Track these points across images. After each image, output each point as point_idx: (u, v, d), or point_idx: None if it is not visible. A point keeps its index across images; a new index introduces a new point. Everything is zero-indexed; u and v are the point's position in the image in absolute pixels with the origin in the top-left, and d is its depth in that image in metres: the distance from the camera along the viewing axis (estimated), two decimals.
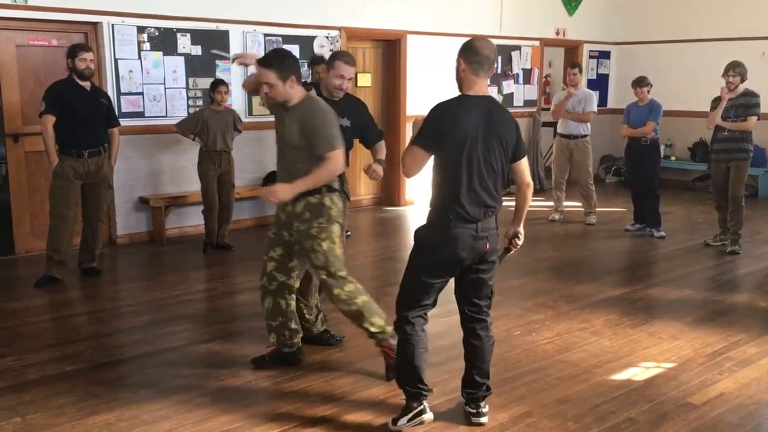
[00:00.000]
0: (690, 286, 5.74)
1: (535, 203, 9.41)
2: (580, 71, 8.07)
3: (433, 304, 3.35)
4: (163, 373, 3.95)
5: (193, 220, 7.26)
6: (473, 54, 3.17)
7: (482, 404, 3.40)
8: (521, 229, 3.44)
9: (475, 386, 3.39)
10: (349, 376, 3.92)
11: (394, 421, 3.34)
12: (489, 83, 10.27)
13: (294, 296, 3.98)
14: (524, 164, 3.34)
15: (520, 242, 3.47)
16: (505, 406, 3.56)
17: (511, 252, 3.51)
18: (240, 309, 5.20)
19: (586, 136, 7.96)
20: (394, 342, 3.58)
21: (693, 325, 4.78)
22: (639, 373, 4.00)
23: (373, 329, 3.78)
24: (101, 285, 5.73)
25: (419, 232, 3.27)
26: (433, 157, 3.20)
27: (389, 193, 9.12)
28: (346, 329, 4.63)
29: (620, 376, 3.96)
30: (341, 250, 3.79)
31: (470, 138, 3.10)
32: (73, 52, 5.47)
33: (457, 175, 3.11)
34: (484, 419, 3.38)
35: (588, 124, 7.97)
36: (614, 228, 7.86)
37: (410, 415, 3.30)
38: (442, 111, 3.15)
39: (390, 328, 3.72)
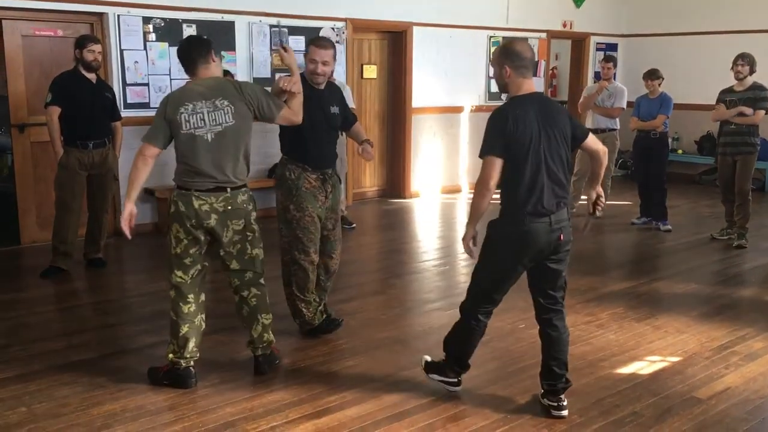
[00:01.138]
0: (696, 279, 5.71)
1: None
2: (615, 65, 7.90)
3: (501, 300, 3.48)
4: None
5: None
6: (518, 59, 3.24)
7: (562, 396, 3.41)
8: (600, 190, 3.60)
9: (555, 378, 3.41)
10: (352, 369, 3.92)
11: (428, 368, 3.66)
12: (492, 75, 10.20)
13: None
14: (592, 138, 3.44)
15: (603, 200, 3.63)
16: (510, 399, 3.56)
17: (597, 214, 3.63)
18: None
19: (614, 130, 7.82)
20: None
21: (699, 319, 4.76)
22: (644, 366, 3.99)
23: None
24: (106, 276, 5.74)
25: (495, 229, 3.33)
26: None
27: (395, 185, 9.10)
28: (350, 321, 4.64)
29: (625, 369, 3.95)
30: (177, 251, 3.63)
31: (535, 136, 3.19)
32: (82, 43, 5.47)
33: (528, 172, 3.20)
34: (564, 412, 3.38)
35: (616, 119, 7.86)
36: (620, 221, 7.83)
37: (444, 379, 3.61)
38: (503, 117, 3.21)
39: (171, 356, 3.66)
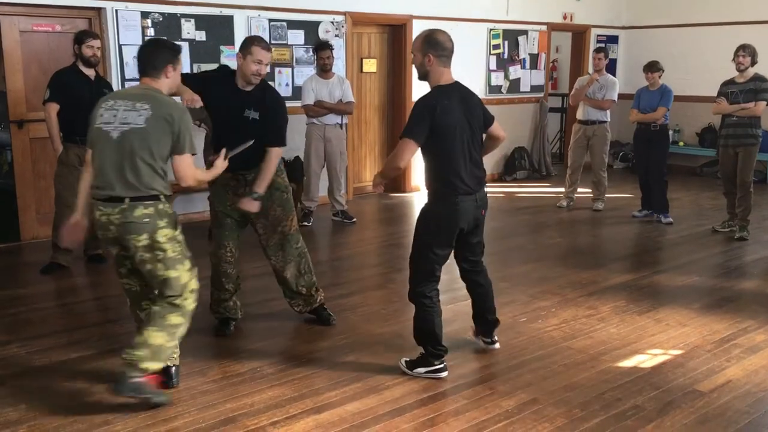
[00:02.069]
0: (697, 272, 5.70)
1: (541, 189, 9.38)
2: (606, 56, 7.87)
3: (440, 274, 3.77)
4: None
5: (198, 207, 7.26)
6: (441, 49, 3.54)
7: (494, 333, 4.09)
8: None
9: (488, 323, 4.06)
10: (353, 364, 3.91)
11: (410, 366, 3.75)
12: (496, 68, 10.22)
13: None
14: (497, 125, 3.83)
15: None
16: (511, 393, 3.55)
17: None
18: (245, 296, 5.18)
19: (604, 122, 7.82)
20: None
21: (700, 311, 4.75)
22: (646, 360, 3.98)
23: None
24: (107, 272, 5.72)
25: (429, 210, 3.65)
26: (425, 144, 3.54)
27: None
28: (351, 315, 4.63)
29: (627, 363, 3.93)
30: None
31: (459, 124, 3.53)
32: (81, 38, 5.45)
33: (455, 156, 3.55)
34: (497, 345, 4.09)
35: (607, 111, 7.85)
36: (621, 214, 7.81)
37: (430, 369, 3.72)
38: (432, 107, 3.48)
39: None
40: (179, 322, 3.39)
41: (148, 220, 3.26)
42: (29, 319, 4.61)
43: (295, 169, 7.62)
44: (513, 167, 10.10)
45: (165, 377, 3.53)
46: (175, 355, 3.57)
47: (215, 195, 4.24)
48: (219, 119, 4.14)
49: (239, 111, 4.02)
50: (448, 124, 3.48)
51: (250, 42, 4.01)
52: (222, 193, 4.19)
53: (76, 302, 5.07)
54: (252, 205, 4.03)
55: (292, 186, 7.87)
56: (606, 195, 8.09)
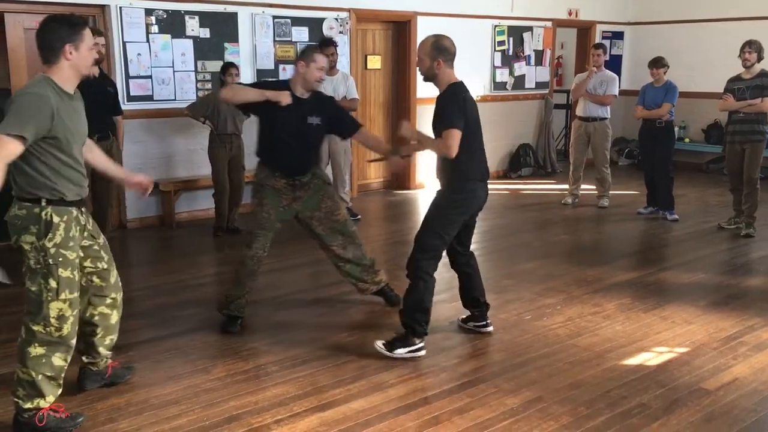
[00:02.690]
0: (703, 269, 5.67)
1: (546, 186, 9.35)
2: (605, 51, 7.86)
3: None
4: (173, 357, 3.94)
5: (202, 204, 7.25)
6: (448, 53, 3.85)
7: (486, 315, 4.27)
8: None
9: (481, 305, 4.25)
10: (357, 361, 3.90)
11: (390, 347, 3.90)
12: (500, 65, 10.18)
13: None
14: None
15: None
16: (516, 391, 3.53)
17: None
18: (251, 293, 5.18)
19: (605, 119, 7.80)
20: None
21: (706, 309, 4.73)
22: (652, 358, 3.96)
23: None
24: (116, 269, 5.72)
25: (450, 194, 3.88)
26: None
27: (399, 177, 9.07)
28: (355, 313, 4.62)
29: (633, 360, 3.92)
30: None
31: (477, 115, 3.87)
32: None
33: (478, 145, 3.88)
34: (491, 327, 4.28)
35: (608, 107, 7.82)
36: (627, 211, 7.78)
37: (411, 348, 3.89)
38: (461, 98, 3.80)
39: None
40: (41, 353, 3.05)
41: (17, 221, 3.00)
42: None
43: None
44: (518, 164, 10.07)
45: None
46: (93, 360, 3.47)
47: (269, 198, 4.25)
48: (279, 128, 4.20)
49: (302, 119, 4.17)
50: (474, 116, 3.82)
51: (312, 50, 4.25)
52: (276, 196, 4.25)
53: None
54: (399, 164, 4.43)
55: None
56: (611, 192, 8.06)
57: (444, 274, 5.61)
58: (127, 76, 6.71)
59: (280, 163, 4.27)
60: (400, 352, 3.88)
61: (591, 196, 8.18)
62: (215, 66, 7.02)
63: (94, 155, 3.47)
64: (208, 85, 7.15)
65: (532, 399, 3.46)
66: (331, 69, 6.97)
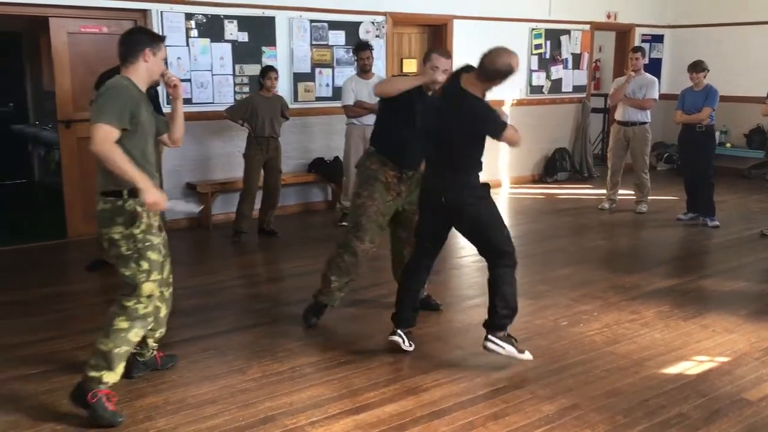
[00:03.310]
0: (745, 277, 5.55)
1: (583, 191, 9.24)
2: (643, 55, 7.74)
3: None
4: (209, 357, 3.99)
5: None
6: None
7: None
8: None
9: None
10: (392, 365, 3.90)
11: (507, 338, 3.87)
12: (537, 68, 10.10)
13: None
14: None
15: None
16: (552, 398, 3.50)
17: None
18: (285, 295, 5.23)
19: (645, 123, 7.68)
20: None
21: (748, 318, 4.63)
22: (691, 367, 3.89)
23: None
24: None
25: (486, 194, 3.88)
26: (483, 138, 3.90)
27: None
28: (389, 318, 4.63)
29: (672, 369, 3.85)
30: None
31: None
32: None
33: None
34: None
35: (648, 111, 7.71)
36: (666, 217, 7.66)
37: (513, 348, 3.85)
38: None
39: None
40: (124, 326, 3.29)
41: (103, 214, 3.27)
42: (76, 314, 4.71)
43: (334, 169, 7.65)
44: (554, 168, 9.98)
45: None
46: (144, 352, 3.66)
47: (379, 191, 4.27)
48: (403, 121, 4.25)
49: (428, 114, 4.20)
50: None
51: (430, 50, 4.26)
52: (384, 191, 4.28)
53: None
54: None
55: (331, 186, 7.97)
56: (649, 197, 7.94)
57: (478, 278, 5.60)
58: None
59: (397, 154, 4.27)
60: (505, 348, 3.84)
61: (629, 201, 8.07)
62: (253, 69, 7.10)
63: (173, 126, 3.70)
64: (246, 89, 7.23)
65: (568, 406, 3.42)
66: (367, 72, 7.00)
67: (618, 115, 7.84)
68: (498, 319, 3.84)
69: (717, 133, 8.53)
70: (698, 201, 7.34)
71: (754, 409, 3.40)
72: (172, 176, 6.96)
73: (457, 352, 4.10)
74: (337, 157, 7.72)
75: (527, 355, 3.86)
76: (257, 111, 6.47)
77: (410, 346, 4.04)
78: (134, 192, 3.19)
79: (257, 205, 6.80)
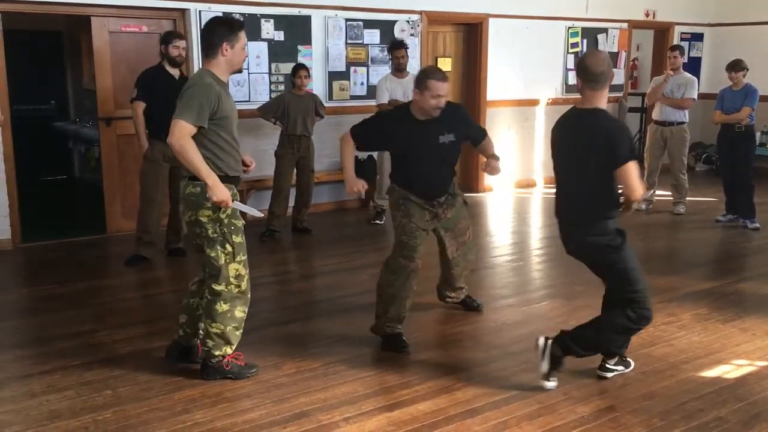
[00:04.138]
0: None
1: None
2: (682, 53, 7.62)
3: None
4: (244, 352, 4.01)
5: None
6: (587, 74, 3.43)
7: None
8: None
9: None
10: (424, 363, 3.91)
11: (613, 364, 3.72)
12: (573, 67, 9.98)
13: None
14: None
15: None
16: (587, 400, 3.47)
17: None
18: (318, 292, 5.27)
19: (683, 123, 7.56)
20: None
21: None
22: (730, 370, 3.83)
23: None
24: (186, 265, 5.90)
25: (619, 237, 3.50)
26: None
27: (467, 179, 9.01)
28: (423, 316, 4.63)
29: (710, 373, 3.79)
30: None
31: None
32: (167, 38, 5.64)
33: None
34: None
35: (686, 111, 7.59)
36: (704, 218, 7.53)
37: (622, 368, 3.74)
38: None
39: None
40: (225, 309, 3.55)
41: (193, 198, 3.46)
42: (115, 308, 4.80)
43: (368, 168, 7.67)
44: None
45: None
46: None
47: (414, 209, 4.09)
48: (405, 153, 4.10)
49: (433, 139, 4.04)
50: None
51: (425, 76, 3.94)
52: (420, 211, 4.11)
53: (158, 293, 5.26)
54: (496, 168, 4.14)
55: (365, 185, 7.98)
56: (687, 198, 7.81)
57: (512, 278, 5.58)
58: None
59: (416, 186, 4.11)
60: (615, 369, 3.74)
61: (666, 202, 7.95)
62: (288, 68, 7.15)
63: None
64: (281, 87, 7.29)
65: (603, 408, 3.40)
66: (402, 71, 7.01)
67: (655, 115, 7.73)
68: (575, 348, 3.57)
69: (758, 134, 8.36)
70: (738, 202, 7.20)
71: None
72: None
73: (491, 352, 4.09)
74: (370, 156, 7.74)
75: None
76: (289, 109, 6.52)
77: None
78: (222, 178, 3.41)
79: (291, 203, 6.86)
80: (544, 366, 3.55)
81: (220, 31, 3.46)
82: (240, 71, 3.70)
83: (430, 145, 4.04)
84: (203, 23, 6.69)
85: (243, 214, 3.59)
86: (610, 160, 3.31)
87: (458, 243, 4.42)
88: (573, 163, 3.47)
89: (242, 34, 3.50)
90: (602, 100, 3.45)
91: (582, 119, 3.46)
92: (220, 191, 3.34)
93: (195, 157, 3.33)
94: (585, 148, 3.39)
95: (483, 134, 4.38)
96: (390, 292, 4.10)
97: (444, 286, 4.69)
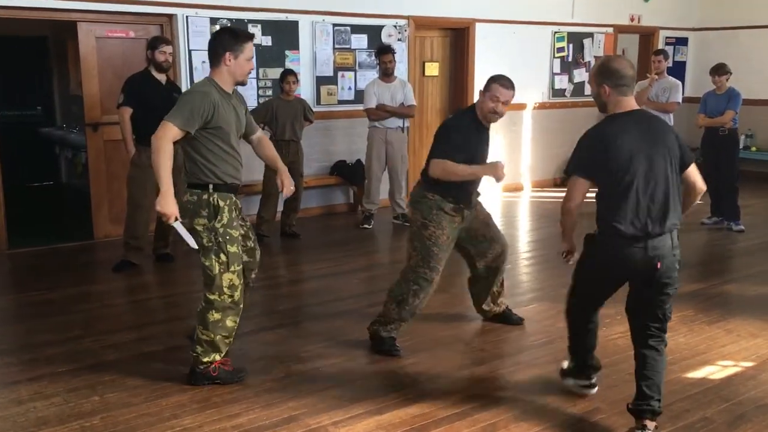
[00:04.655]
0: None
1: None
2: (666, 58, 7.70)
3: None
4: (234, 357, 4.01)
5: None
6: (616, 78, 3.11)
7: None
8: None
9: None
10: (413, 366, 3.92)
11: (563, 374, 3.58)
12: (560, 71, 10.04)
13: None
14: (693, 168, 3.28)
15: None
16: (575, 402, 3.50)
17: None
18: (307, 296, 5.27)
19: None
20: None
21: None
22: (716, 371, 3.86)
23: None
24: (175, 270, 5.89)
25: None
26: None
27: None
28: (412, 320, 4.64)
29: (696, 374, 3.83)
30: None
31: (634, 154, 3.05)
32: (154, 44, 5.63)
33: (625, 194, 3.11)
34: None
35: (671, 114, 7.66)
36: (690, 221, 7.57)
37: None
38: (595, 137, 3.15)
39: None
40: (217, 318, 3.57)
41: (189, 206, 3.50)
42: (102, 314, 4.78)
43: (356, 172, 7.69)
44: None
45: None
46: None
47: (446, 220, 4.05)
48: (471, 160, 4.02)
49: (486, 145, 4.15)
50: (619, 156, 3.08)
51: (492, 79, 4.02)
52: (449, 220, 4.07)
53: (145, 299, 5.24)
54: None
55: (353, 189, 8.01)
56: None
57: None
58: (192, 83, 6.90)
59: (460, 194, 4.07)
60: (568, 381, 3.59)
61: None
62: (276, 73, 7.15)
63: (264, 148, 3.89)
64: (269, 92, 7.29)
65: (590, 410, 3.42)
66: (389, 76, 7.03)
67: None
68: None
69: (742, 137, 8.45)
70: (722, 205, 7.28)
71: None
72: None
73: (480, 354, 4.11)
74: (359, 160, 7.77)
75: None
76: (277, 114, 6.52)
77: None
78: (219, 187, 3.49)
79: (280, 208, 6.86)
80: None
81: (225, 41, 3.49)
82: (244, 83, 3.63)
83: (485, 151, 4.12)
84: (190, 29, 6.79)
85: (183, 241, 3.56)
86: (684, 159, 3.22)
87: (489, 238, 4.35)
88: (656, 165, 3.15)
89: (248, 46, 3.51)
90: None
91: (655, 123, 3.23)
92: (166, 204, 3.33)
93: (163, 162, 3.30)
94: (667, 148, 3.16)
95: None
96: (414, 303, 4.03)
97: (480, 299, 4.53)
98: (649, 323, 3.21)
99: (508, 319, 4.56)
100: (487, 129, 4.15)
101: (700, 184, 3.29)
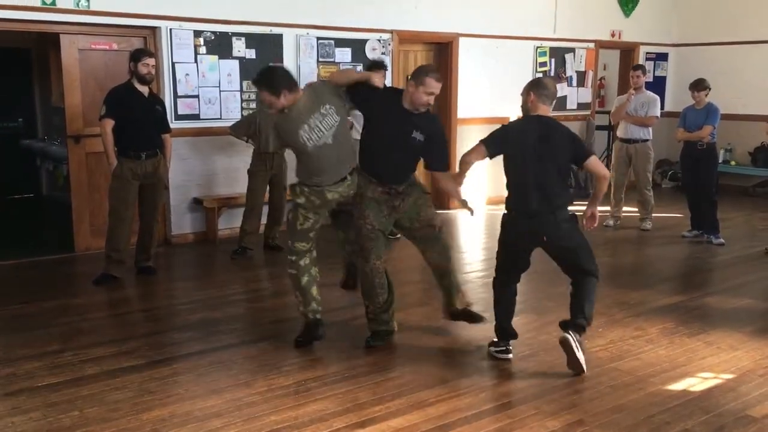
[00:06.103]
0: (750, 294, 5.56)
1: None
2: (644, 72, 7.82)
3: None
4: (215, 371, 4.01)
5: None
6: (543, 89, 4.00)
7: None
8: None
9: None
10: (397, 379, 3.92)
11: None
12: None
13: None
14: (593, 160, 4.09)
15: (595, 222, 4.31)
16: (556, 414, 3.51)
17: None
18: (290, 309, 5.24)
19: (647, 140, 7.74)
20: None
21: (753, 335, 4.63)
22: (696, 383, 3.89)
23: None
24: (156, 283, 5.86)
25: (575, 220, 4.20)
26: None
27: (439, 196, 8.99)
28: (394, 333, 4.64)
29: (676, 386, 3.86)
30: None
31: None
32: (137, 56, 5.62)
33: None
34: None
35: (650, 128, 7.77)
36: (670, 234, 7.67)
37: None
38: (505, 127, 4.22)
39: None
40: (293, 273, 4.34)
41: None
42: (82, 328, 4.73)
43: None
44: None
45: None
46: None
47: (369, 209, 4.22)
48: (379, 135, 4.22)
49: (407, 132, 4.16)
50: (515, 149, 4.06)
51: (424, 72, 4.10)
52: (377, 207, 4.22)
53: (127, 313, 5.20)
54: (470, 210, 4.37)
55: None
56: (654, 214, 7.96)
57: (483, 294, 5.62)
58: (176, 96, 6.89)
59: (377, 170, 4.23)
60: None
61: (633, 218, 8.09)
62: None
63: None
64: (253, 105, 7.29)
65: (572, 422, 3.43)
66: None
67: (620, 133, 7.90)
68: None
69: (721, 151, 8.55)
70: (702, 218, 7.36)
71: (758, 426, 3.40)
72: (179, 191, 7.02)
73: (463, 368, 4.12)
74: None
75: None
76: (261, 127, 6.51)
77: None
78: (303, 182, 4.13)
79: (263, 220, 6.84)
80: (581, 356, 3.88)
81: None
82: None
83: (404, 132, 4.16)
84: (174, 41, 6.78)
85: None
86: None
87: (429, 240, 4.44)
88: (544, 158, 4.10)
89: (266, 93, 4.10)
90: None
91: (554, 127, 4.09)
92: None
93: None
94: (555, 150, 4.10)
95: (444, 165, 4.43)
96: (364, 290, 4.37)
97: (446, 301, 4.65)
98: (572, 273, 4.13)
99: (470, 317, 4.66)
100: (417, 116, 4.18)
101: (602, 171, 4.08)
